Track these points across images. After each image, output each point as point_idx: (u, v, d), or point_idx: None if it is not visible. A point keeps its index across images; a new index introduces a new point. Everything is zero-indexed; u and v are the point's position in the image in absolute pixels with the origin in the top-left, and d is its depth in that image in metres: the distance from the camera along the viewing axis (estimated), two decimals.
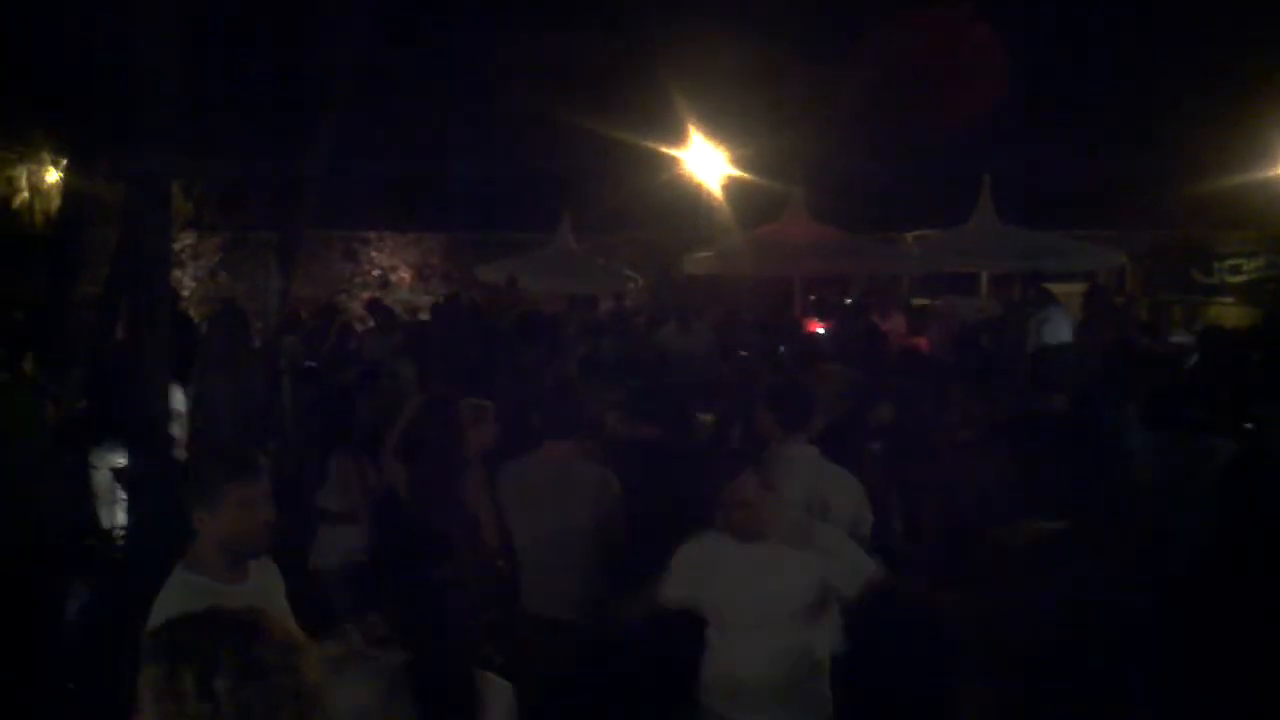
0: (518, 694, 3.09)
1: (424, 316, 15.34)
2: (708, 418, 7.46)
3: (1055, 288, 16.55)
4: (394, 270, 22.30)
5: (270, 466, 4.36)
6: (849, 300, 15.76)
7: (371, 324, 13.46)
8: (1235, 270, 19.35)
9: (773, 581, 4.23)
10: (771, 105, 18.74)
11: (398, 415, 6.44)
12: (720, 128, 18.17)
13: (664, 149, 18.05)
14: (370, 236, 22.14)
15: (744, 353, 9.95)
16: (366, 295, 19.15)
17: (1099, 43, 20.72)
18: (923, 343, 11.63)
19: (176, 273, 17.72)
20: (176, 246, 17.16)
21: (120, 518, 7.81)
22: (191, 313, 14.43)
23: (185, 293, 18.79)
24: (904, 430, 6.44)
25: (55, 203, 14.37)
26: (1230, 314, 17.74)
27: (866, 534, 5.16)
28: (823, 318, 14.74)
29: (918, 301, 15.36)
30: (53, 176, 16.27)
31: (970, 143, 18.88)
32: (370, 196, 20.37)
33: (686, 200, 19.02)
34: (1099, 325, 12.28)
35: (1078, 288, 16.68)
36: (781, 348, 10.29)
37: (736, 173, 18.02)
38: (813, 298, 16.35)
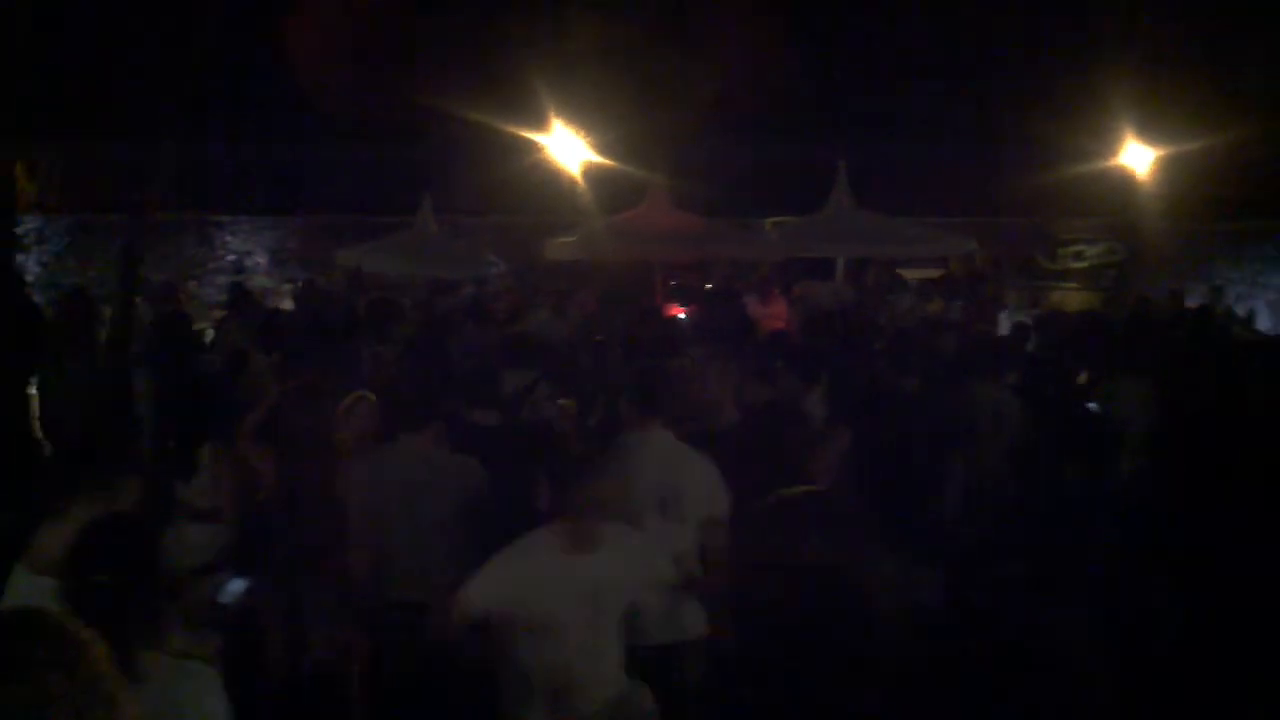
0: (386, 679, 3.09)
1: (281, 303, 15.08)
2: (568, 403, 7.47)
3: (906, 272, 17.08)
4: (249, 255, 21.81)
5: (125, 459, 4.24)
6: (709, 286, 15.92)
7: (228, 310, 13.13)
8: (1078, 256, 20.11)
9: (596, 588, 4.21)
10: (633, 91, 18.82)
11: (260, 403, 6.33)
12: (582, 112, 18.15)
13: (526, 133, 17.95)
14: (224, 220, 21.61)
15: (599, 338, 9.96)
16: (223, 280, 18.72)
17: (949, 34, 21.25)
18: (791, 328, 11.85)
19: (20, 257, 17.08)
20: (20, 230, 16.54)
21: None
22: (37, 299, 13.92)
23: (29, 278, 18.11)
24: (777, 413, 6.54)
25: None
26: (1073, 298, 18.44)
27: (719, 519, 5.22)
28: (683, 303, 14.87)
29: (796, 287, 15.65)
30: None
31: (827, 130, 19.23)
32: (223, 178, 19.90)
33: (549, 185, 18.98)
34: (957, 309, 12.67)
35: (932, 272, 17.20)
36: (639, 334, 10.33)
37: (598, 158, 18.03)
38: (673, 283, 16.48)
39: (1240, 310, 16.22)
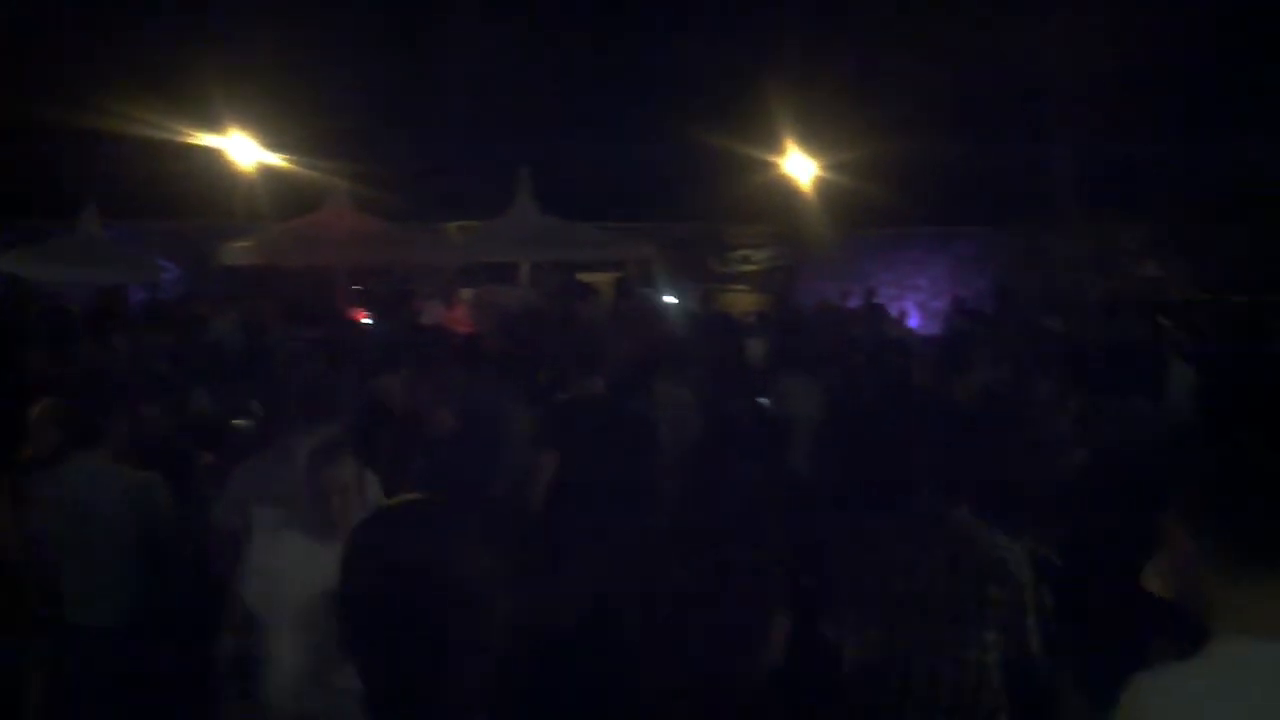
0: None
1: None
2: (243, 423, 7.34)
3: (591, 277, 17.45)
4: None
5: None
6: (396, 290, 15.81)
7: None
8: (746, 260, 21.10)
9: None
10: (312, 91, 18.42)
11: None
12: (259, 114, 17.67)
13: (199, 133, 17.30)
14: None
15: (284, 344, 9.80)
16: None
17: (630, 41, 21.82)
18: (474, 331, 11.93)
19: None
20: None
21: None
22: None
23: None
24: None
25: None
26: (742, 300, 19.34)
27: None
28: (368, 309, 14.72)
29: (464, 291, 15.69)
30: None
31: (509, 135, 19.40)
32: None
33: (223, 188, 18.35)
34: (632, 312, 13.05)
35: (607, 276, 17.64)
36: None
37: (276, 160, 17.58)
38: (357, 288, 16.26)
39: (893, 310, 17.45)
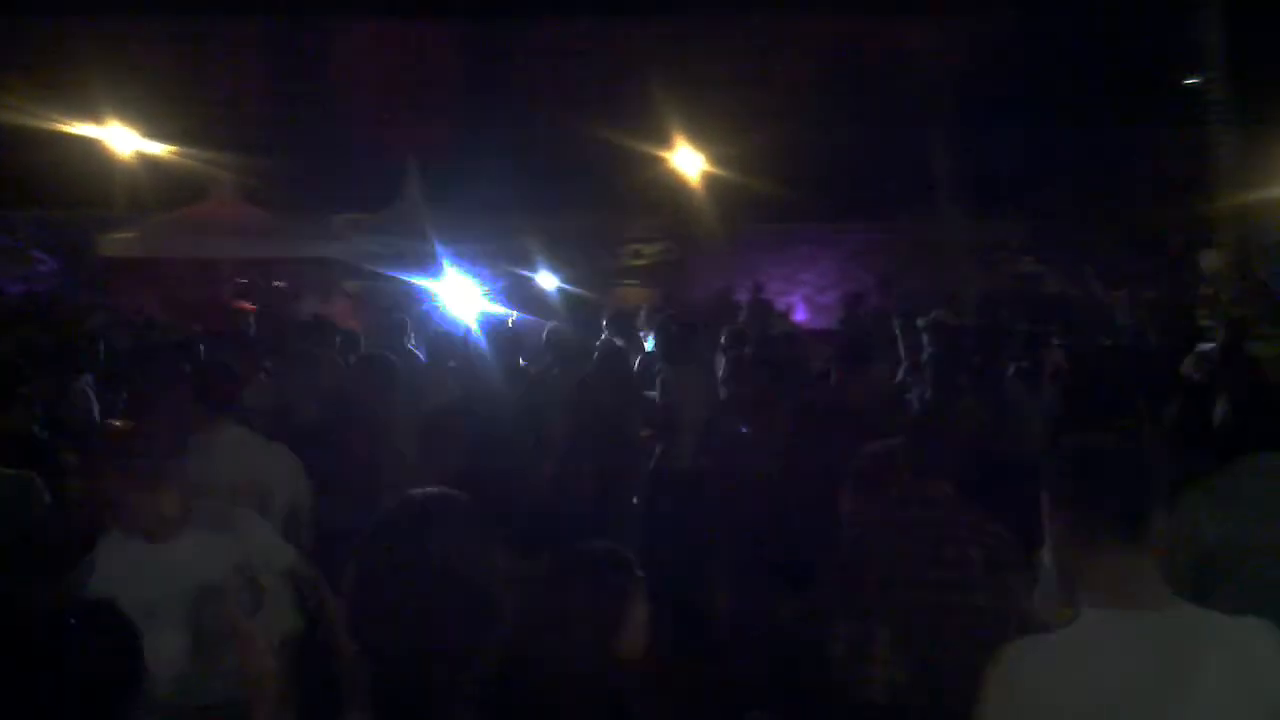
0: None
1: None
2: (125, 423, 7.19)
3: None
4: None
5: None
6: (280, 284, 15.60)
7: None
8: (637, 255, 21.18)
9: (186, 573, 4.10)
10: (199, 80, 18.07)
11: None
12: (143, 100, 17.25)
13: (76, 121, 16.83)
14: None
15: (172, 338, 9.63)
16: None
17: (518, 32, 21.77)
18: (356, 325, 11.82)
19: None
20: None
21: None
22: None
23: None
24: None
25: None
26: (634, 294, 19.41)
27: (305, 511, 5.26)
28: (252, 300, 14.49)
29: (350, 284, 15.54)
30: None
31: (398, 127, 19.23)
32: None
33: (102, 177, 17.89)
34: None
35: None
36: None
37: (160, 149, 17.19)
38: (241, 281, 15.99)
39: (781, 305, 17.68)
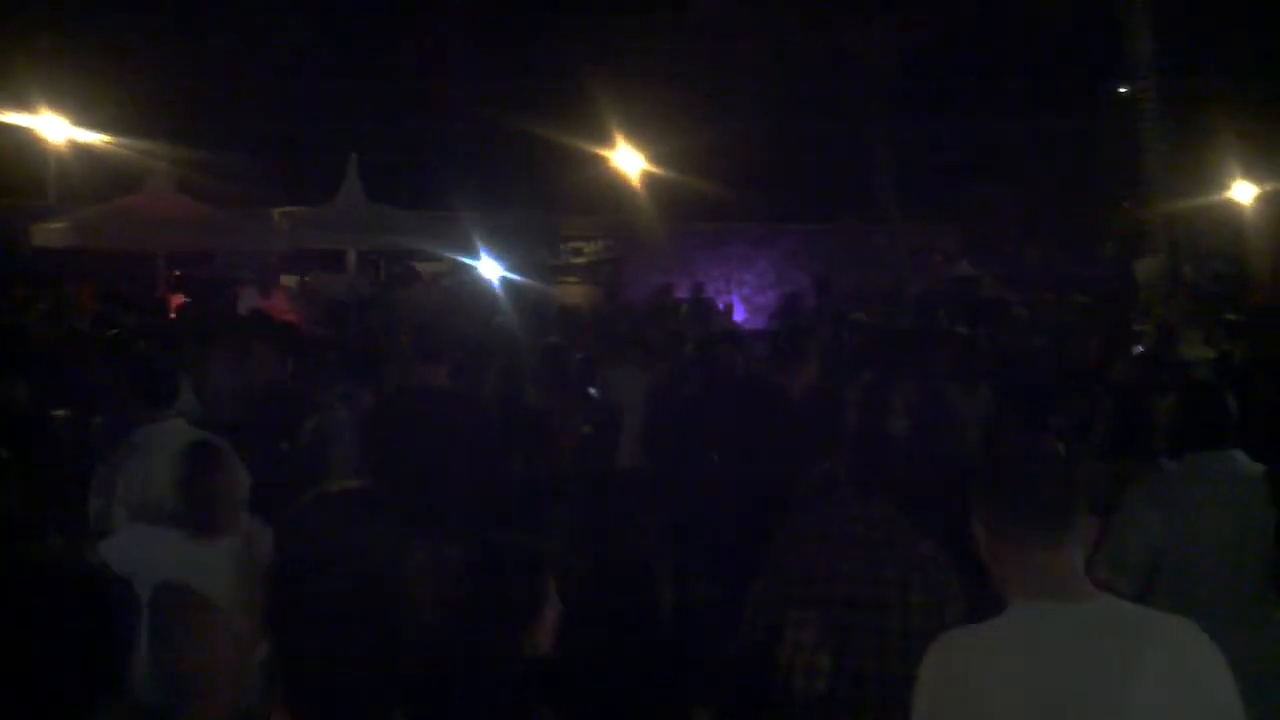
0: None
1: None
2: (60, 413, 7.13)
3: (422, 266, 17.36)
4: None
5: None
6: (217, 276, 15.45)
7: None
8: (577, 253, 21.22)
9: (221, 572, 4.19)
10: (131, 70, 17.84)
11: None
12: (73, 90, 17.02)
13: (8, 110, 16.56)
14: None
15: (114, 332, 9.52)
16: None
17: (463, 32, 21.73)
18: (295, 319, 11.77)
19: None
20: None
21: None
22: None
23: None
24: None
25: None
26: (573, 292, 19.44)
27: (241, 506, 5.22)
28: (189, 294, 14.35)
29: (286, 279, 15.42)
30: None
31: (340, 121, 19.14)
32: None
33: (33, 166, 17.63)
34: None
35: (442, 266, 17.57)
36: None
37: (95, 139, 16.96)
38: (177, 274, 15.82)
39: (720, 304, 17.78)
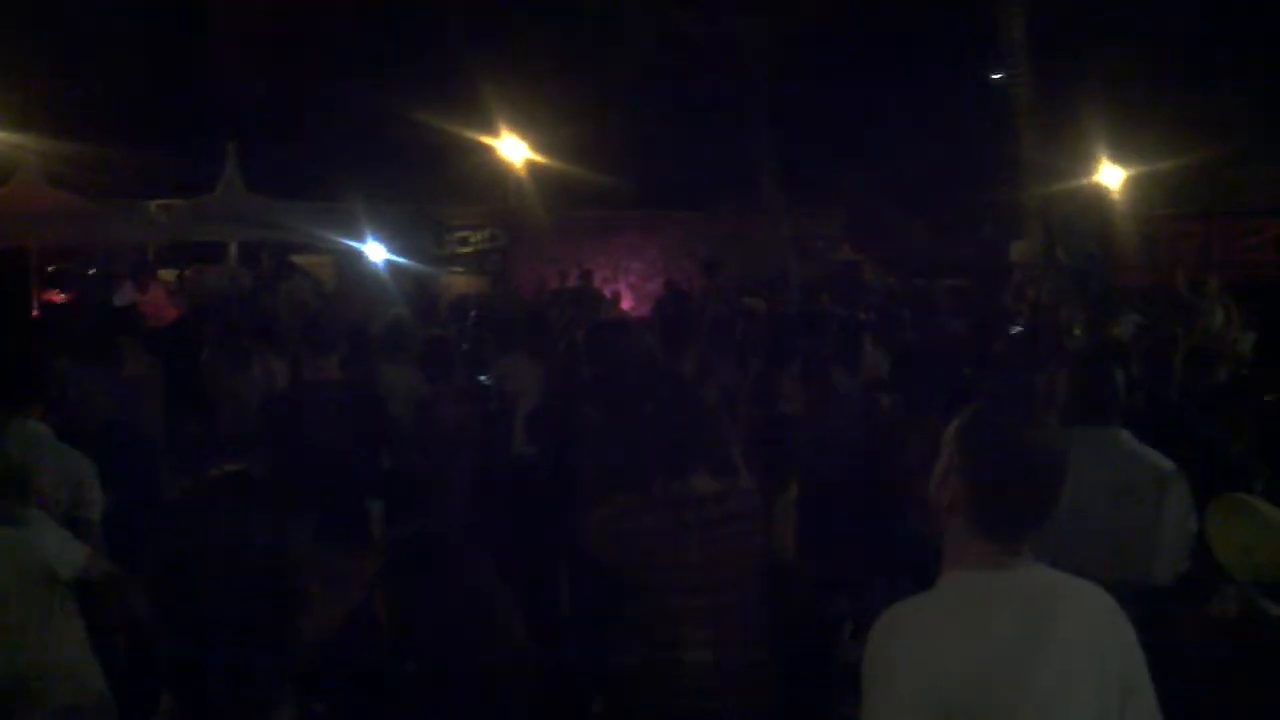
0: None
1: None
2: None
3: (303, 259, 17.11)
4: None
5: None
6: (92, 271, 15.04)
7: None
8: (464, 242, 21.11)
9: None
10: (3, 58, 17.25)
11: None
12: None
13: None
14: None
15: None
16: None
17: (349, 21, 21.46)
18: (173, 313, 11.57)
19: None
20: None
21: None
22: None
23: None
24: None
25: None
26: (459, 281, 19.36)
27: (91, 513, 5.03)
28: (64, 290, 13.98)
29: (165, 272, 15.07)
30: None
31: (219, 111, 18.81)
32: None
33: None
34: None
35: (325, 259, 17.34)
36: None
37: None
38: (51, 269, 15.37)
39: (608, 292, 17.83)
